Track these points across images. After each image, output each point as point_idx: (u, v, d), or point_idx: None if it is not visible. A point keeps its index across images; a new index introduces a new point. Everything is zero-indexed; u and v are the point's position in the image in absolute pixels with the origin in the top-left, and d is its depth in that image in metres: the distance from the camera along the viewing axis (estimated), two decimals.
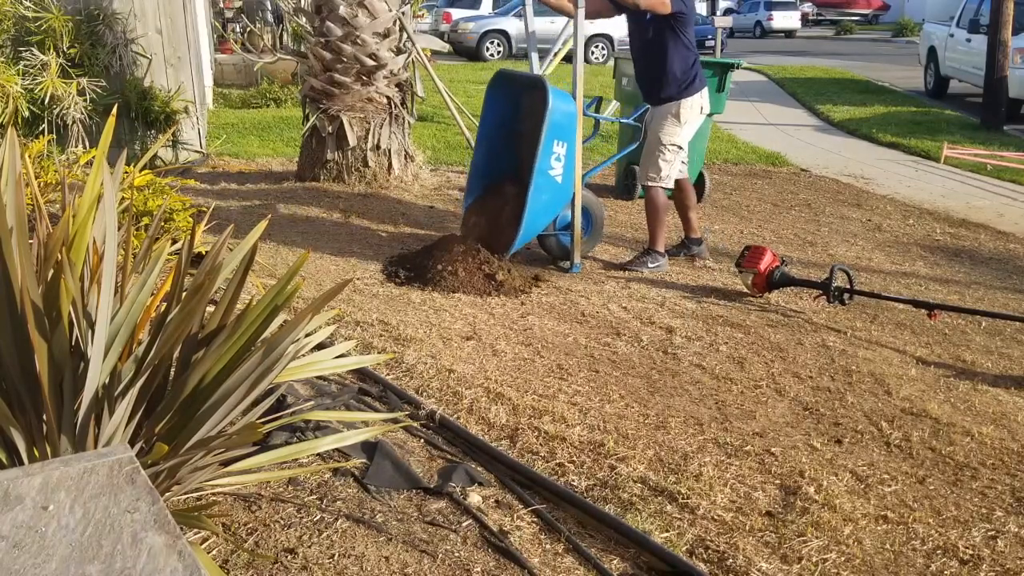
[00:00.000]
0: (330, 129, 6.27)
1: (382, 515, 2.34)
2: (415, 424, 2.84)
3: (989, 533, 2.44)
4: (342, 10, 6.10)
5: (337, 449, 2.58)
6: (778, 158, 8.39)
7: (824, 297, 4.24)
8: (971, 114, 11.20)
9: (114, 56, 6.43)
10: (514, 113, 4.74)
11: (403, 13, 6.39)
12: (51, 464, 1.10)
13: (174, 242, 3.26)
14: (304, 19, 7.00)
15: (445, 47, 18.16)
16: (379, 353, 3.37)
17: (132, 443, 1.90)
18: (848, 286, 4.24)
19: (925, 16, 25.39)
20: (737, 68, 6.15)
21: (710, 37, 17.37)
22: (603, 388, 3.24)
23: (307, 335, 2.30)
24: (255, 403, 2.12)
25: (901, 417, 3.13)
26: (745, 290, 4.41)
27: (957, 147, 8.75)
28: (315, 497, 2.40)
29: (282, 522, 2.28)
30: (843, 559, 2.28)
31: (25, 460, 1.80)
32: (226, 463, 2.11)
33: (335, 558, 2.15)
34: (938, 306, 4.07)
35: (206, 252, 2.08)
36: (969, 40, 12.09)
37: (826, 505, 2.51)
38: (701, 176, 6.47)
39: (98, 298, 1.80)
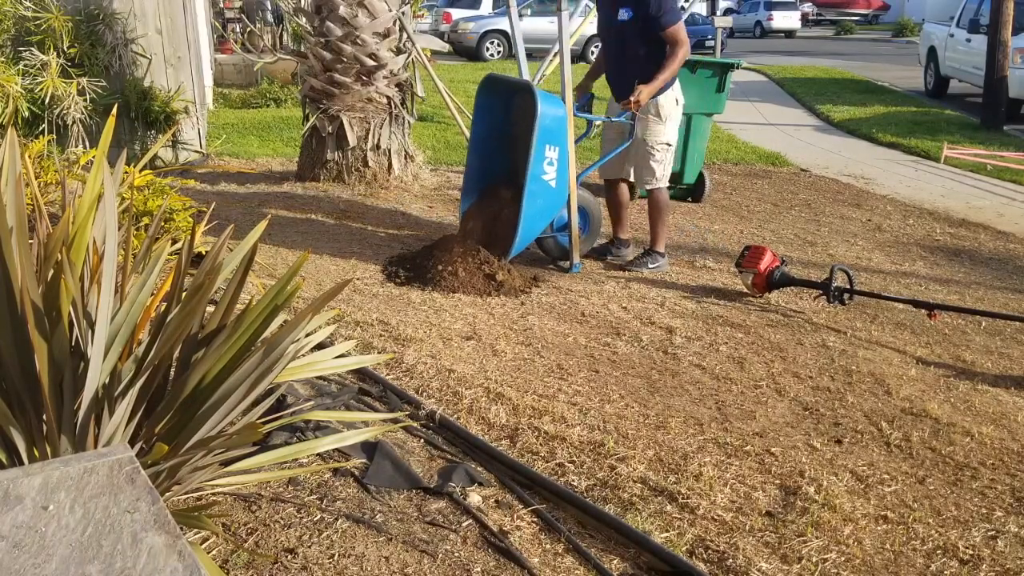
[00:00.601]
0: (330, 129, 6.27)
1: (382, 515, 2.34)
2: (415, 424, 2.84)
3: (989, 533, 2.44)
4: (342, 10, 6.09)
5: (337, 449, 2.58)
6: (778, 158, 8.39)
7: (824, 297, 4.25)
8: (971, 114, 11.20)
9: (114, 56, 6.43)
10: (505, 116, 4.73)
11: (403, 13, 6.38)
12: (51, 464, 1.10)
13: (174, 242, 3.26)
14: (304, 19, 6.99)
15: (445, 47, 18.15)
16: (379, 353, 3.37)
17: (132, 443, 1.90)
18: (848, 286, 4.24)
19: (925, 16, 25.41)
20: (737, 68, 6.15)
21: (710, 37, 17.30)
22: (603, 388, 3.24)
23: (307, 335, 2.30)
24: (255, 403, 2.12)
25: (901, 417, 3.13)
26: (745, 290, 4.41)
27: (957, 147, 8.75)
28: (315, 497, 2.40)
29: (282, 522, 2.28)
30: (843, 559, 2.28)
31: (25, 460, 1.80)
32: (226, 463, 2.11)
33: (335, 558, 2.15)
34: (938, 306, 4.07)
35: (206, 252, 2.08)
36: (969, 40, 12.09)
37: (826, 505, 2.51)
38: (701, 176, 6.48)
39: (98, 298, 1.80)
